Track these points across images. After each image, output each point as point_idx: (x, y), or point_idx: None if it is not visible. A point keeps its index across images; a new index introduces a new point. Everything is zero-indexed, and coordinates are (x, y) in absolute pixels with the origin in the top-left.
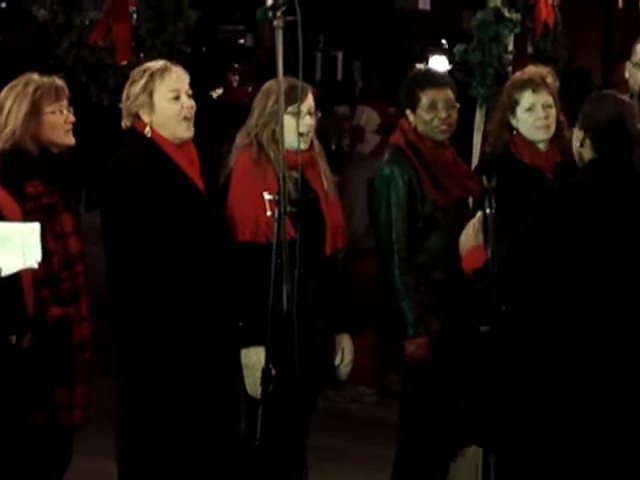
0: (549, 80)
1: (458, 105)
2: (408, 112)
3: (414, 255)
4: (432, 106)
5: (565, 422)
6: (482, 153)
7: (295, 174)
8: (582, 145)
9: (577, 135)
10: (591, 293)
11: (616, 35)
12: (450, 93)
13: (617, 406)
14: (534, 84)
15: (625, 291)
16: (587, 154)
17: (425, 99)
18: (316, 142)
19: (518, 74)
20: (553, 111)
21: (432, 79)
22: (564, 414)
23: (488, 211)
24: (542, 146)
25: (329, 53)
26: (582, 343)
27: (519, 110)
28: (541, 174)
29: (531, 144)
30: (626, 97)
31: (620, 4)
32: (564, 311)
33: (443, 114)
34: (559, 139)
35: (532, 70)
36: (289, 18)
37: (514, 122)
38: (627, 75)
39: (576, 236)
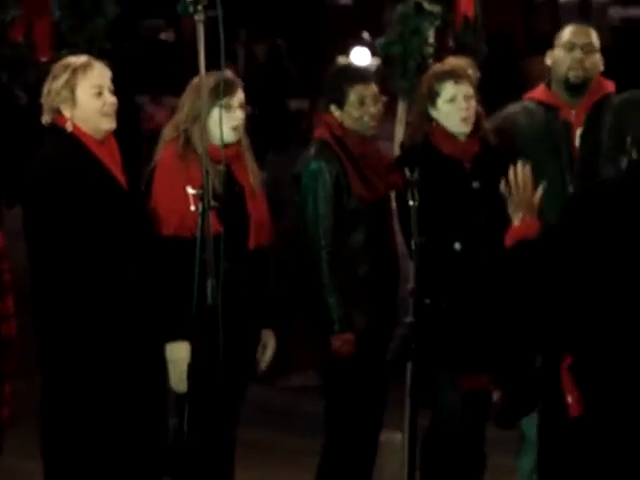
0: (469, 71)
1: (384, 99)
2: (333, 108)
3: (340, 250)
4: (361, 102)
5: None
6: (402, 145)
7: (221, 168)
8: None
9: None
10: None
11: (536, 26)
12: (375, 88)
13: None
14: (455, 75)
15: None
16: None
17: (353, 95)
18: (244, 136)
19: (438, 65)
20: (473, 102)
21: (359, 75)
22: None
23: (411, 203)
24: (462, 137)
25: (251, 47)
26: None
27: (440, 101)
28: (460, 164)
29: (450, 135)
30: None
31: None
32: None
33: (372, 109)
34: (478, 130)
35: (453, 61)
36: (210, 13)
37: (434, 113)
38: (549, 62)
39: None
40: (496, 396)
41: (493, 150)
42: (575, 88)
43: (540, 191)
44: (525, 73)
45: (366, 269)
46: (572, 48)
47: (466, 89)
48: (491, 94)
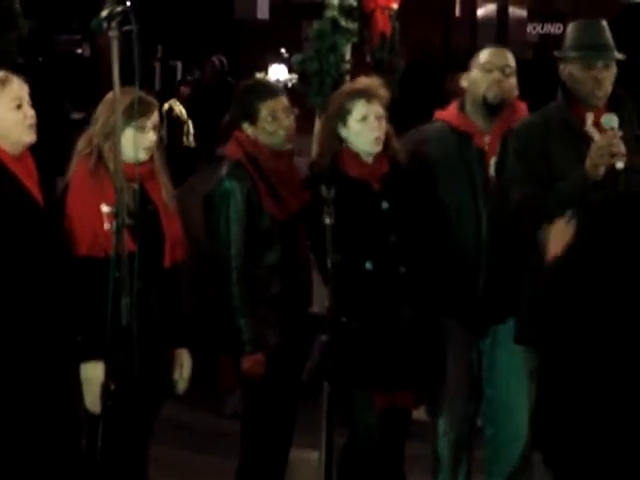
0: (381, 91)
1: (296, 111)
2: (246, 125)
3: (252, 270)
4: (273, 116)
5: None
6: (311, 165)
7: (134, 186)
8: None
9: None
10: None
11: (453, 42)
12: (286, 101)
13: None
14: (367, 94)
15: None
16: None
17: (265, 110)
18: (157, 154)
19: (350, 84)
20: (384, 122)
21: (268, 90)
22: None
23: (328, 221)
24: (369, 158)
25: (168, 63)
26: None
27: (351, 120)
28: (368, 186)
29: (357, 156)
30: None
31: (457, 13)
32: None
33: (285, 122)
34: (387, 149)
35: (365, 81)
36: (126, 28)
37: (344, 132)
38: (465, 84)
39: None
40: (416, 413)
41: (403, 170)
42: (492, 109)
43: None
44: (445, 89)
45: (279, 288)
46: (491, 69)
47: (377, 109)
48: (408, 110)
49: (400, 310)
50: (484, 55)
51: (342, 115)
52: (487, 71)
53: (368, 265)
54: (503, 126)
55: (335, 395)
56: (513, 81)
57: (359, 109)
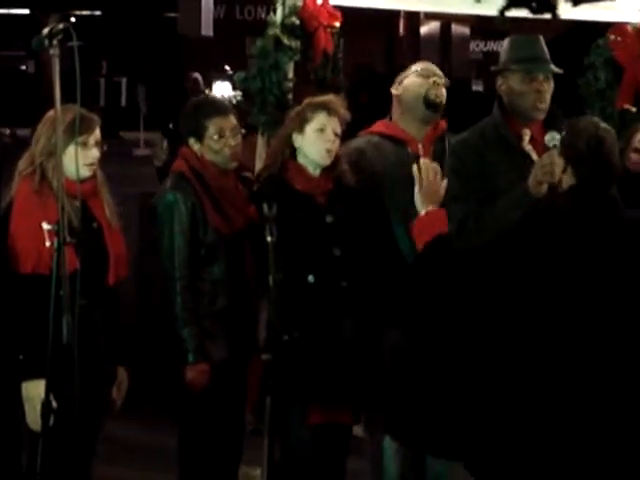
0: (342, 111)
1: (243, 131)
2: (192, 141)
3: (197, 283)
4: (220, 135)
5: None
6: (257, 176)
7: (77, 203)
8: (564, 171)
9: (558, 162)
10: (565, 333)
11: (397, 61)
12: (234, 120)
13: None
14: (329, 108)
15: (604, 332)
16: (568, 181)
17: (212, 128)
18: (99, 172)
19: (314, 97)
20: (338, 141)
21: (217, 107)
22: None
23: (269, 239)
24: (316, 171)
25: (113, 79)
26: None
27: (308, 128)
28: (312, 199)
29: (304, 170)
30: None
31: (401, 31)
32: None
33: (231, 141)
34: (334, 168)
35: (331, 97)
36: (69, 43)
37: (299, 140)
38: (398, 92)
39: (553, 259)
40: (356, 430)
41: (347, 188)
42: (433, 107)
43: (444, 183)
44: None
45: (224, 302)
46: (428, 75)
47: (335, 124)
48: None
49: (342, 324)
50: (418, 65)
51: (301, 123)
52: (425, 76)
53: (310, 278)
54: (433, 134)
55: (276, 412)
56: (444, 91)
57: (319, 119)
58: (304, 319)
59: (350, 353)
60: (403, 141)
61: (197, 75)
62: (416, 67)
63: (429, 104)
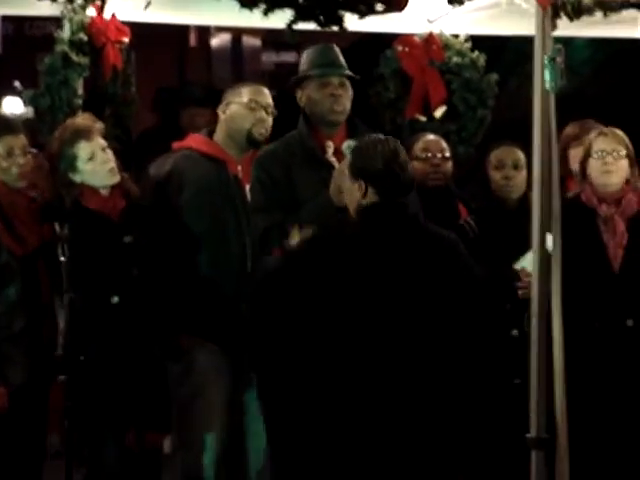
0: (96, 125)
1: (34, 151)
2: None
3: None
4: (9, 153)
5: None
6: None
7: None
8: (365, 194)
9: (353, 187)
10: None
11: (189, 73)
12: (24, 139)
13: None
14: (86, 134)
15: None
16: (370, 200)
17: (2, 147)
18: None
19: (61, 130)
20: (110, 152)
21: (7, 126)
22: None
23: (62, 258)
24: (105, 192)
25: None
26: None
27: (80, 163)
28: (109, 220)
29: (96, 191)
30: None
31: (192, 42)
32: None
33: (20, 160)
34: (121, 185)
35: (76, 121)
36: None
37: (78, 177)
38: (223, 115)
39: (347, 278)
40: (167, 447)
41: (138, 204)
42: (256, 144)
43: None
44: (181, 123)
45: (22, 324)
46: (255, 108)
47: (99, 142)
48: (145, 143)
49: (147, 344)
50: (247, 92)
51: (69, 163)
52: (252, 109)
53: (115, 299)
54: (253, 156)
55: (73, 433)
56: (271, 120)
57: (84, 150)
58: (104, 339)
59: (154, 374)
60: (223, 161)
61: None
62: (246, 93)
63: (252, 142)
